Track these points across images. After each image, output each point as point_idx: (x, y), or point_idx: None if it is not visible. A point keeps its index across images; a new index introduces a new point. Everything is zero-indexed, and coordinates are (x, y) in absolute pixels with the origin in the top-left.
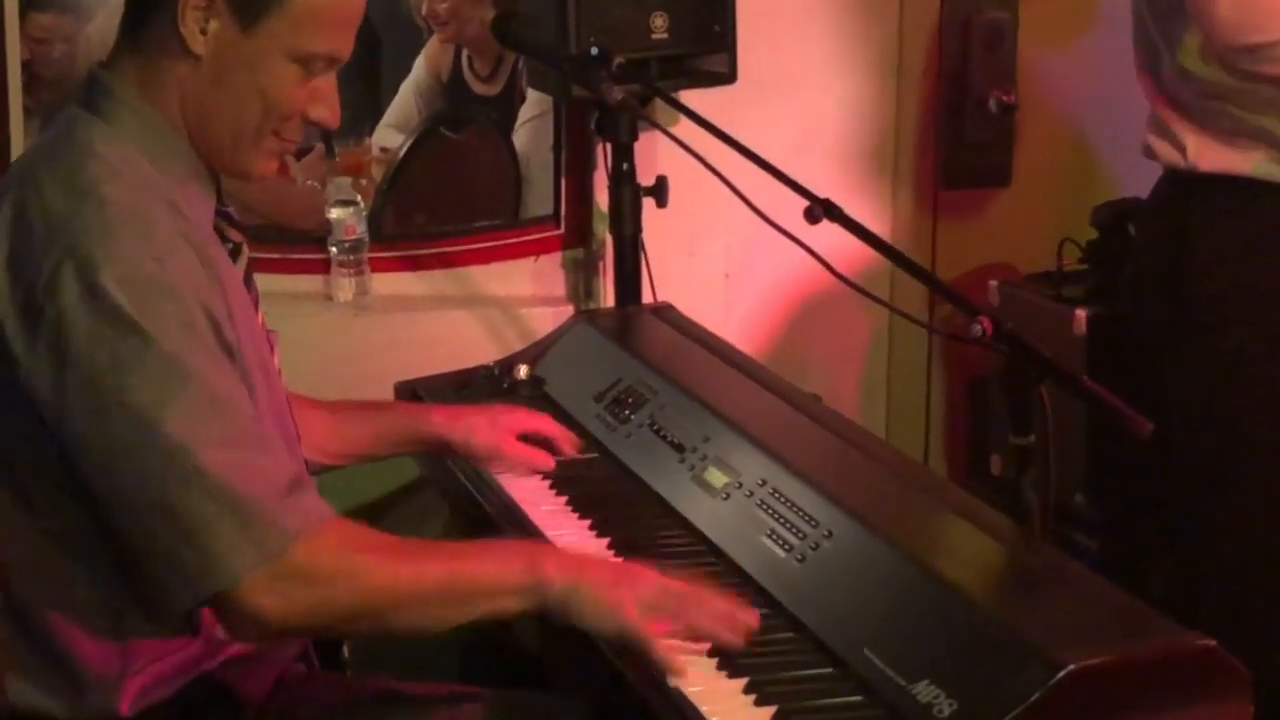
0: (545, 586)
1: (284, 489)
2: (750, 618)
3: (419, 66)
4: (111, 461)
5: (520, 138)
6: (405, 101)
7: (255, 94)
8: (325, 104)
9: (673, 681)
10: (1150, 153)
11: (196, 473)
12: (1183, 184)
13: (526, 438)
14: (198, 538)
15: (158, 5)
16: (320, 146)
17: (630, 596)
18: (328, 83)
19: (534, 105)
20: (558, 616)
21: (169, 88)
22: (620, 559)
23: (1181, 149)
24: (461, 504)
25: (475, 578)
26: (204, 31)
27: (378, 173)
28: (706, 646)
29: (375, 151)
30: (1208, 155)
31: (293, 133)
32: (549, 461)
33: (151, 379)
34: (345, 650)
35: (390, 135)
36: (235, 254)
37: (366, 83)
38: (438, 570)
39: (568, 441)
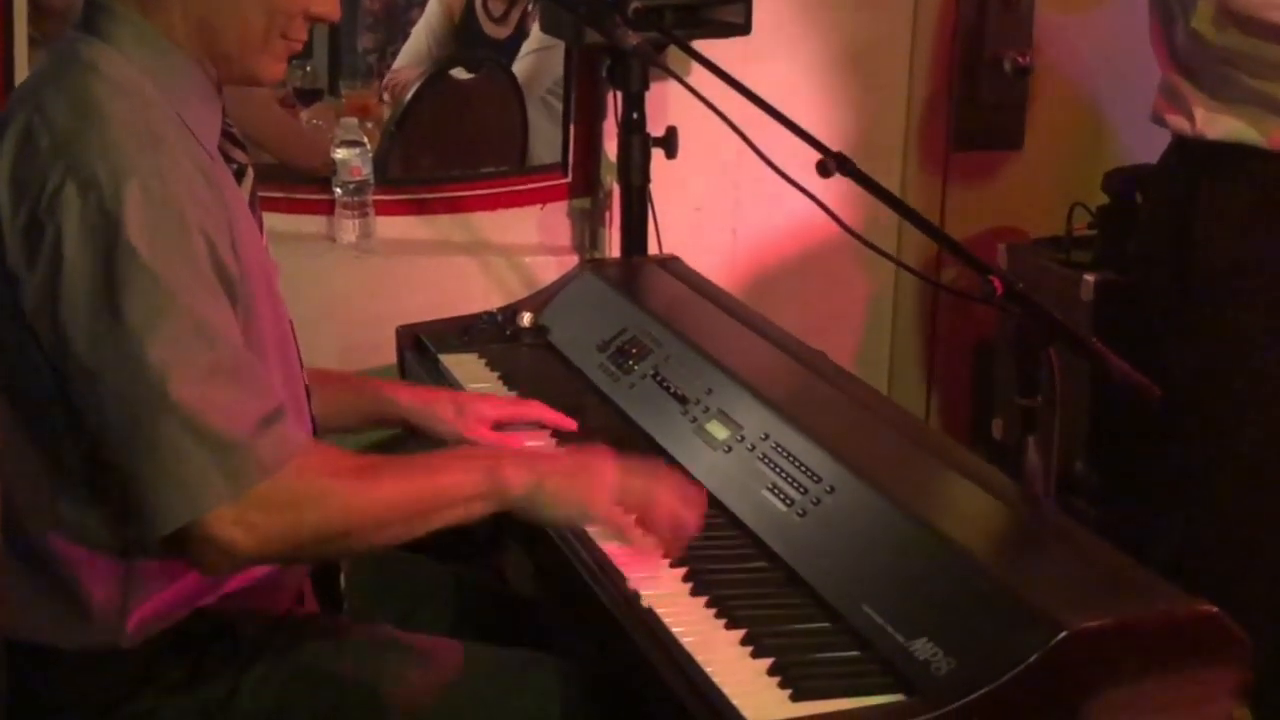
0: (506, 488)
1: (260, 423)
2: (695, 520)
3: (432, 5)
4: (97, 384)
5: (521, 69)
6: (418, 42)
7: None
8: None
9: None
10: (1159, 119)
11: (172, 403)
12: (1191, 152)
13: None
14: (171, 467)
15: None
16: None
17: (596, 487)
18: None
19: (537, 39)
20: (524, 515)
21: (170, 3)
22: (577, 446)
23: (1190, 117)
24: None
25: (440, 489)
26: None
27: (385, 114)
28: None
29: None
30: (1216, 123)
31: (298, 31)
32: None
33: (140, 303)
34: (343, 591)
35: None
36: (240, 175)
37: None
38: (403, 487)
39: (556, 424)
